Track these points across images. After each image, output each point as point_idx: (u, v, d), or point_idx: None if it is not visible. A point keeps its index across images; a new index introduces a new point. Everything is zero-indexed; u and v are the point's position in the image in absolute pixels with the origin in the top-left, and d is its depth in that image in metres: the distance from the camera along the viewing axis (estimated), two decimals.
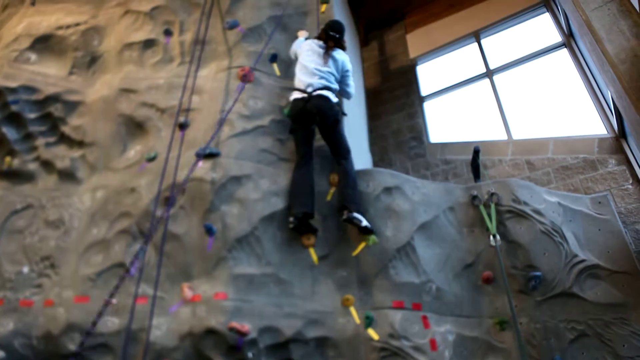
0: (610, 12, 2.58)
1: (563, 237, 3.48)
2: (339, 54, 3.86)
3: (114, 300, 3.16)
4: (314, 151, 3.69)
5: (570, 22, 4.54)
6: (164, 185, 3.36)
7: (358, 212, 3.25)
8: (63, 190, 3.88)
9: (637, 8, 2.34)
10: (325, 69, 3.72)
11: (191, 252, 3.23)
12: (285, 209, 3.39)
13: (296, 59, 3.92)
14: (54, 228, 3.71)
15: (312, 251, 3.33)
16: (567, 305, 3.32)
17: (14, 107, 4.06)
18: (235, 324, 2.88)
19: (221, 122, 3.59)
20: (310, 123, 3.63)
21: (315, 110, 3.53)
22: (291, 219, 3.29)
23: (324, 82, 3.65)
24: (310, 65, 3.70)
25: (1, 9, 5.23)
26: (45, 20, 4.66)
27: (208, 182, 3.31)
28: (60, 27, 4.60)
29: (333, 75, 3.76)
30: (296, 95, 3.64)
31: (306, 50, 3.83)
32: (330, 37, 3.87)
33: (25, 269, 3.55)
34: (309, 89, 3.61)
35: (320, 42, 3.87)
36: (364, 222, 3.24)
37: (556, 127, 5.19)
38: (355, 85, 4.03)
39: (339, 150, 3.61)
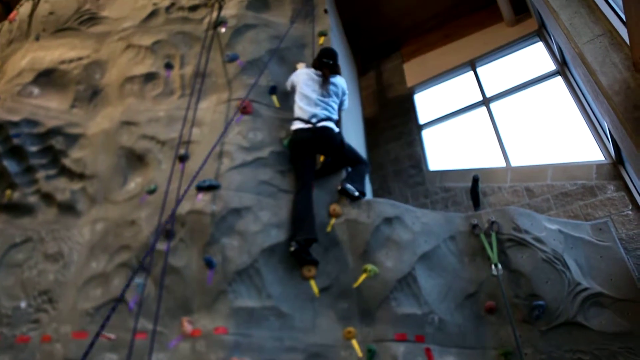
0: (602, 45, 2.65)
1: (565, 265, 3.46)
2: (336, 79, 4.00)
3: (113, 336, 3.12)
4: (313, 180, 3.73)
5: (563, 52, 4.63)
6: (164, 218, 3.36)
7: (352, 186, 3.59)
8: (63, 223, 3.88)
9: (628, 42, 2.40)
10: (327, 99, 3.84)
11: (191, 286, 3.20)
12: (286, 240, 3.37)
13: (293, 89, 4.01)
14: (53, 262, 3.69)
15: (312, 283, 3.30)
16: (572, 334, 3.27)
17: (15, 141, 4.09)
18: (235, 359, 2.83)
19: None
20: (315, 152, 3.78)
21: (321, 142, 3.71)
22: (292, 243, 3.29)
23: (326, 113, 3.77)
24: (312, 95, 3.80)
25: (6, 44, 5.34)
26: (48, 55, 4.75)
27: (208, 214, 3.31)
28: (63, 62, 4.68)
29: (335, 103, 3.90)
30: (300, 125, 3.72)
31: (305, 79, 3.91)
32: (325, 65, 3.99)
33: (23, 304, 3.51)
34: (313, 120, 3.71)
35: (317, 71, 3.98)
36: (356, 193, 3.57)
37: (554, 153, 5.23)
38: (353, 114, 4.12)
39: (354, 160, 3.86)
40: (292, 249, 3.27)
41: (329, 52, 4.10)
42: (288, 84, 4.13)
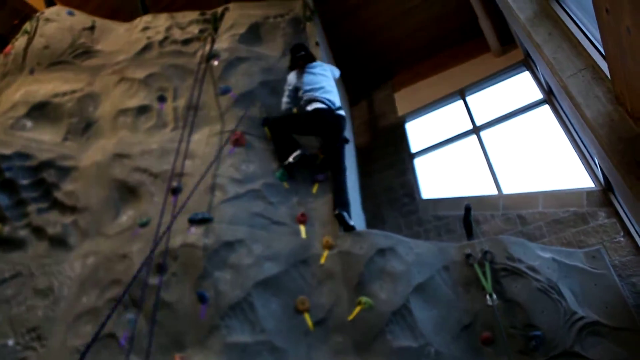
0: (585, 79, 2.72)
1: (560, 293, 3.44)
2: (322, 66, 4.37)
3: None
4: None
5: (549, 83, 4.74)
6: (156, 252, 3.33)
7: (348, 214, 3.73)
8: (53, 257, 3.83)
9: (609, 76, 2.48)
10: (327, 83, 4.22)
11: (183, 321, 3.15)
12: (279, 273, 3.35)
13: (295, 89, 4.27)
14: (43, 297, 3.63)
15: (307, 317, 3.26)
16: None
17: (7, 174, 4.08)
18: None
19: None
20: (320, 133, 4.10)
21: (336, 127, 4.04)
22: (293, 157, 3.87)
23: (337, 99, 4.19)
24: (315, 85, 4.15)
25: (1, 77, 5.37)
26: (42, 88, 4.79)
27: (200, 248, 3.29)
28: (56, 95, 4.71)
29: (333, 83, 4.30)
30: (320, 105, 4.01)
31: (299, 76, 4.25)
32: (299, 58, 4.36)
33: (10, 342, 3.43)
34: (329, 103, 4.06)
35: (298, 69, 4.34)
36: (351, 222, 3.68)
37: (545, 181, 5.28)
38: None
39: (340, 163, 3.99)
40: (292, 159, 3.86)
41: (297, 46, 4.49)
42: (289, 88, 4.32)
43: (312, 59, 4.43)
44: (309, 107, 4.05)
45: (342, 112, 4.13)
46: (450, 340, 3.33)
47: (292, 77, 4.32)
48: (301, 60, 4.35)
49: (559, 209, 4.73)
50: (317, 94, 4.08)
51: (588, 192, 4.67)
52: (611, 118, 2.44)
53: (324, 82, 4.22)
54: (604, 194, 4.52)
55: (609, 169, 2.91)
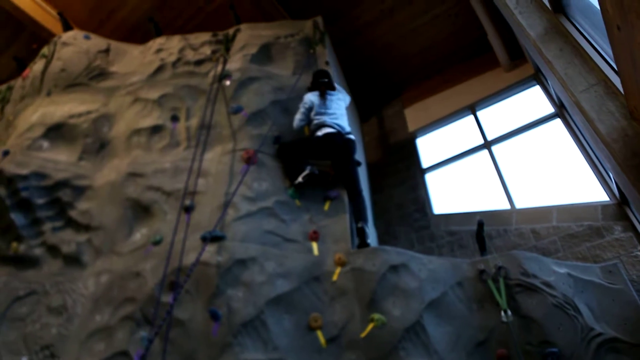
0: (598, 94, 2.71)
1: (576, 309, 3.38)
2: (337, 94, 4.49)
3: None
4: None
5: (561, 98, 4.73)
6: (169, 270, 3.35)
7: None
8: (67, 275, 3.87)
9: (622, 91, 2.47)
10: (340, 111, 4.35)
11: (196, 339, 3.14)
12: (292, 290, 3.34)
13: (310, 109, 4.35)
14: (56, 315, 3.66)
15: (319, 334, 3.24)
16: None
17: (23, 194, 4.15)
18: None
19: (227, 204, 3.68)
20: (332, 157, 4.16)
21: (346, 149, 4.13)
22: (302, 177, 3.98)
23: (347, 125, 4.31)
24: (329, 111, 4.28)
25: (19, 100, 5.51)
26: (59, 110, 4.89)
27: (213, 265, 3.30)
28: (72, 116, 4.81)
29: (345, 111, 4.44)
30: (330, 130, 4.12)
31: (317, 99, 4.37)
32: (321, 84, 4.49)
33: None
34: (342, 130, 4.18)
35: (317, 92, 4.46)
36: (369, 239, 3.70)
37: (558, 194, 5.22)
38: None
39: (356, 186, 4.06)
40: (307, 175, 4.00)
41: (322, 72, 4.63)
42: (305, 106, 4.38)
43: (333, 87, 4.56)
44: (320, 132, 4.15)
45: (352, 137, 4.24)
46: (465, 357, 3.27)
47: (309, 97, 4.40)
48: (323, 86, 4.48)
49: (573, 223, 4.67)
50: (327, 119, 4.20)
51: (603, 206, 4.61)
52: (625, 133, 2.42)
53: (337, 109, 4.35)
54: (620, 207, 4.47)
55: (624, 183, 2.88)
